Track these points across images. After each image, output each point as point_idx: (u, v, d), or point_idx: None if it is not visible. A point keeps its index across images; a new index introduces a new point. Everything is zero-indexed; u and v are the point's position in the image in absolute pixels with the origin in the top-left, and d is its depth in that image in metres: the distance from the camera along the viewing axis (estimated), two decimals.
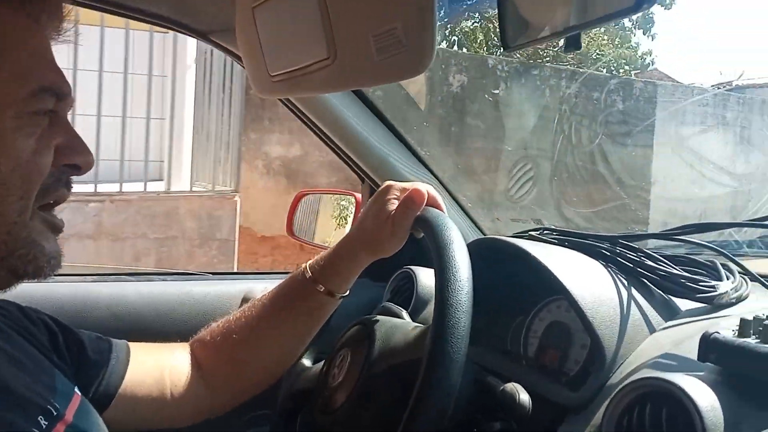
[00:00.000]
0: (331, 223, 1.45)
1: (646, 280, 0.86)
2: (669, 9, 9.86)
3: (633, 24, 9.50)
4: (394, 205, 0.82)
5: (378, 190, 0.86)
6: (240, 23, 0.85)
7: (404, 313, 0.92)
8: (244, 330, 0.86)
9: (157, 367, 0.84)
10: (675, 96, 7.19)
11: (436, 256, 0.69)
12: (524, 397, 0.69)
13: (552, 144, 5.60)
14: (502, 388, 0.71)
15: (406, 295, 1.13)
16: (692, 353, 0.67)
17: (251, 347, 0.86)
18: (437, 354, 0.62)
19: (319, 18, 0.66)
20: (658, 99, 6.73)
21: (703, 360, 0.65)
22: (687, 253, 0.95)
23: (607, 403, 0.67)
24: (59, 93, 0.62)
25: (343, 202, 1.44)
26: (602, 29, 8.92)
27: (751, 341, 0.63)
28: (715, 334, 0.66)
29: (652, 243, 1.02)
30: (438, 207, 0.82)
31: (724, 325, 0.69)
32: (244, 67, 0.92)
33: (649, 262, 0.88)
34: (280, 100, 1.24)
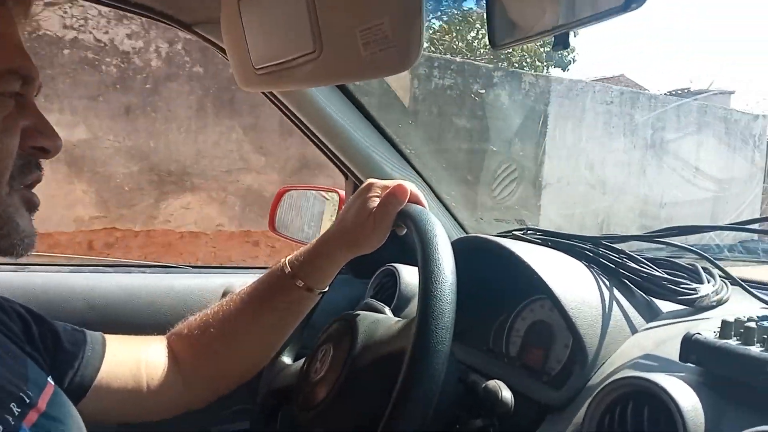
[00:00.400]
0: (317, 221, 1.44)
1: (628, 282, 0.87)
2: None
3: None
4: (375, 202, 0.82)
5: (360, 187, 0.86)
6: (225, 15, 0.84)
7: (387, 310, 0.92)
8: (222, 324, 0.85)
9: (134, 360, 0.83)
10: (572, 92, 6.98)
11: (420, 248, 0.69)
12: (506, 394, 0.69)
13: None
14: (484, 385, 0.71)
15: (389, 292, 1.12)
16: (674, 354, 0.68)
17: (228, 342, 0.85)
18: (422, 344, 0.61)
19: (305, 11, 0.66)
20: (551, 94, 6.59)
21: (685, 361, 0.66)
22: (669, 256, 0.96)
23: (588, 402, 0.67)
24: (26, 76, 0.62)
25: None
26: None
27: (732, 342, 0.64)
28: (697, 335, 0.66)
29: (634, 245, 1.03)
30: (420, 204, 0.82)
31: (705, 327, 0.69)
32: (228, 59, 0.91)
33: (632, 264, 0.89)
34: (264, 93, 1.23)
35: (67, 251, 4.39)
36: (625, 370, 0.71)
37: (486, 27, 0.67)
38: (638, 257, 0.91)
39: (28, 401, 0.61)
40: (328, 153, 1.31)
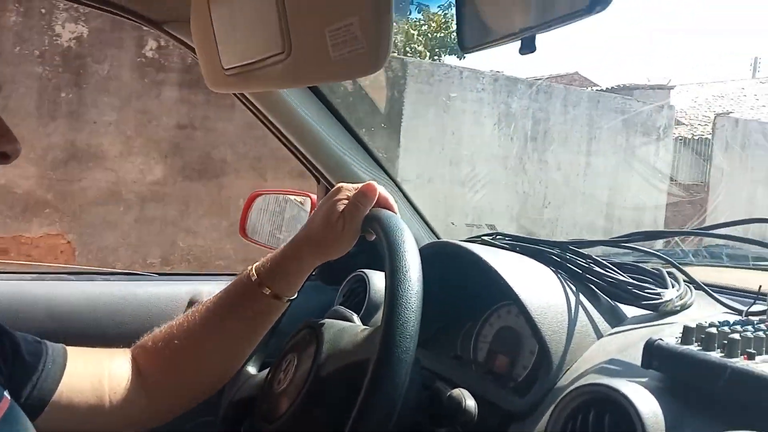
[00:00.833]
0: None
1: (594, 287, 0.87)
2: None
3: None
4: (344, 204, 0.81)
5: (330, 191, 0.85)
6: (195, 14, 0.83)
7: (355, 317, 0.91)
8: (187, 336, 0.83)
9: (96, 374, 0.80)
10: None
11: (388, 255, 0.68)
12: (470, 403, 0.68)
13: None
14: (449, 393, 0.70)
15: (359, 298, 1.11)
16: (637, 359, 0.68)
17: (193, 354, 0.83)
18: (386, 353, 0.61)
19: (275, 10, 0.64)
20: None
21: (647, 366, 0.66)
22: (635, 261, 0.97)
23: (551, 409, 0.67)
24: None
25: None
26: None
27: (693, 348, 0.64)
28: (659, 341, 0.66)
29: (601, 250, 1.03)
30: (389, 207, 0.81)
31: (668, 332, 0.70)
32: (197, 59, 0.90)
33: (598, 269, 0.89)
34: (235, 95, 1.21)
35: None
36: (589, 376, 0.71)
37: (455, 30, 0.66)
38: (604, 262, 0.91)
39: None
40: (300, 156, 1.30)
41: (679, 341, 0.66)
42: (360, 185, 0.83)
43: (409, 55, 8.74)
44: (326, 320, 0.83)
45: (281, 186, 4.93)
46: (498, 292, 0.87)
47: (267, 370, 0.85)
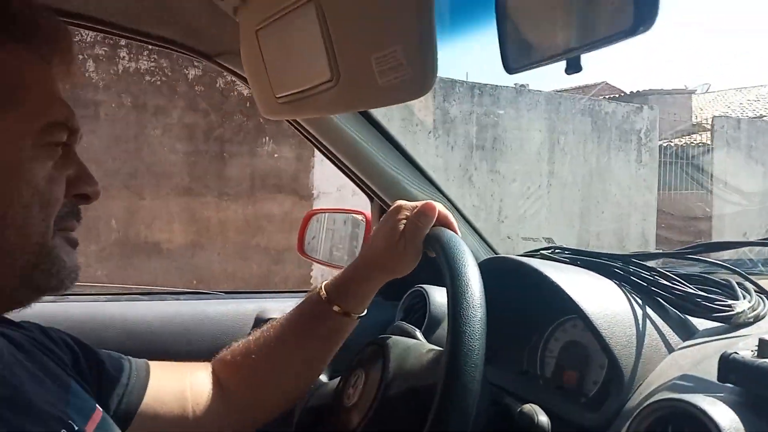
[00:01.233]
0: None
1: (661, 299, 0.86)
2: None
3: None
4: (404, 223, 0.83)
5: (389, 210, 0.87)
6: (244, 46, 0.86)
7: (418, 333, 0.92)
8: (263, 351, 0.86)
9: (179, 386, 0.85)
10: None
11: (449, 281, 0.69)
12: (543, 418, 0.69)
13: None
14: (519, 409, 0.70)
15: (419, 314, 1.13)
16: (712, 373, 0.67)
17: (270, 369, 0.86)
18: (452, 383, 0.61)
19: (320, 40, 0.67)
20: None
21: (723, 381, 0.65)
22: (701, 273, 0.95)
23: (627, 425, 0.66)
24: (71, 127, 0.66)
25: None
26: None
27: None
28: (734, 354, 0.65)
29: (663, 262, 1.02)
30: (449, 224, 0.82)
31: (743, 345, 0.69)
32: (250, 89, 0.93)
33: (664, 281, 0.88)
34: (288, 121, 1.25)
35: None
36: (664, 392, 0.70)
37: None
38: (670, 274, 0.90)
39: (76, 428, 0.63)
40: (353, 177, 1.33)
41: (756, 354, 0.65)
42: (419, 203, 0.85)
43: None
44: (392, 337, 0.85)
45: (167, 207, 4.92)
46: (561, 307, 0.87)
47: (337, 380, 0.87)
